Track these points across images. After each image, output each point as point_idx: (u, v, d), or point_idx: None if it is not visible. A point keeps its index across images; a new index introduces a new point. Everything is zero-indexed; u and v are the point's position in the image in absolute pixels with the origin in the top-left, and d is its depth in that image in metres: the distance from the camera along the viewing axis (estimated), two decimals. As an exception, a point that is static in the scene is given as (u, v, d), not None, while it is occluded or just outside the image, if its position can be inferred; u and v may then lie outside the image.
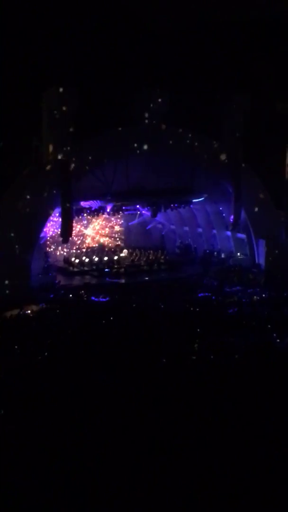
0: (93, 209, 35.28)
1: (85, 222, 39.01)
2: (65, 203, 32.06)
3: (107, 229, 40.90)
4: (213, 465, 10.38)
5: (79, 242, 39.40)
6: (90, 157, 32.82)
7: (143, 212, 38.42)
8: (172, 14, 41.77)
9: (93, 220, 39.30)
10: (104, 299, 30.32)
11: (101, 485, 9.72)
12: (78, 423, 11.77)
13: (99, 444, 10.89)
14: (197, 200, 37.15)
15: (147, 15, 41.52)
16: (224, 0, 41.16)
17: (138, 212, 38.76)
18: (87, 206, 34.88)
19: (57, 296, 31.25)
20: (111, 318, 24.92)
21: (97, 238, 40.51)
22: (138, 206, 37.32)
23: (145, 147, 33.67)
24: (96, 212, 35.94)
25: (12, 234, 31.31)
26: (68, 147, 31.62)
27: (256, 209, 36.34)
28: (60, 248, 38.43)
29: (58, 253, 38.56)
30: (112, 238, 41.14)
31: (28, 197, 31.66)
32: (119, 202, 35.48)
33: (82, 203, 34.26)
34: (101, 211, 35.90)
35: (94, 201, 34.61)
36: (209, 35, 41.10)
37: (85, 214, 35.99)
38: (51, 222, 34.74)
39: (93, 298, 30.50)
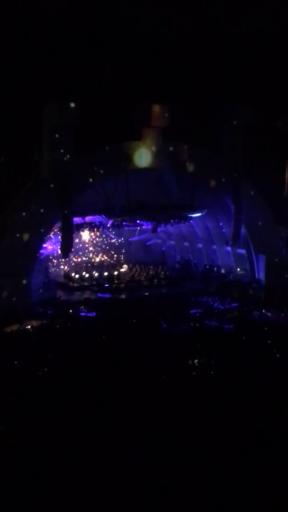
0: (93, 224, 35.30)
1: (86, 237, 39.05)
2: (65, 218, 32.07)
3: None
4: (213, 479, 10.32)
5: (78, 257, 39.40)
6: (90, 172, 32.87)
7: (143, 227, 38.42)
8: (172, 29, 42.02)
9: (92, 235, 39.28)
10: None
11: (102, 502, 9.66)
12: (79, 437, 11.73)
13: (100, 458, 10.84)
14: (194, 215, 37.05)
15: (147, 30, 41.75)
16: (224, 14, 41.40)
17: (138, 228, 38.76)
18: (88, 222, 34.91)
19: (57, 311, 31.16)
20: (110, 333, 24.87)
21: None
22: (138, 221, 37.30)
23: (145, 162, 33.74)
24: (96, 228, 36.00)
25: (13, 249, 31.30)
26: (69, 162, 31.65)
27: (256, 224, 36.30)
28: (55, 262, 38.33)
29: (59, 268, 38.52)
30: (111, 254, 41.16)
31: (28, 212, 31.69)
32: (120, 218, 35.50)
33: (83, 218, 34.29)
34: (101, 226, 35.96)
35: (94, 216, 34.62)
36: (209, 50, 41.30)
37: (85, 230, 36.05)
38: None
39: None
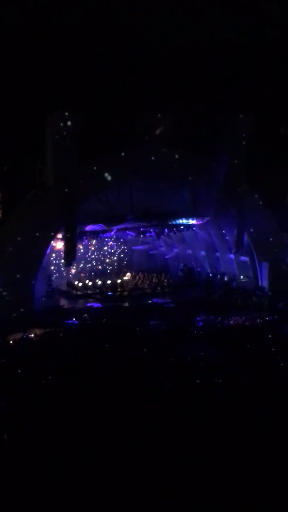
0: (102, 234, 35.52)
1: (90, 246, 39.08)
2: (68, 226, 32.11)
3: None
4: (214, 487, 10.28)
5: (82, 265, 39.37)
6: (94, 181, 32.92)
7: (147, 235, 38.41)
8: (176, 38, 42.25)
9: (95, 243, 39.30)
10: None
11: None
12: (82, 445, 11.71)
13: (103, 468, 10.82)
14: (196, 222, 36.99)
15: (150, 40, 41.94)
16: (228, 24, 41.65)
17: (142, 236, 38.70)
18: (91, 230, 34.98)
19: (60, 319, 31.08)
20: (114, 341, 24.83)
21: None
22: (142, 229, 37.26)
23: (149, 170, 33.79)
24: (99, 236, 36.11)
25: (16, 258, 31.31)
26: (72, 170, 31.70)
27: (260, 232, 36.28)
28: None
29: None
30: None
31: (32, 220, 31.74)
32: (123, 225, 35.55)
33: (88, 227, 34.38)
34: (104, 234, 36.07)
35: (98, 224, 34.66)
36: (212, 59, 41.45)
37: (89, 240, 36.16)
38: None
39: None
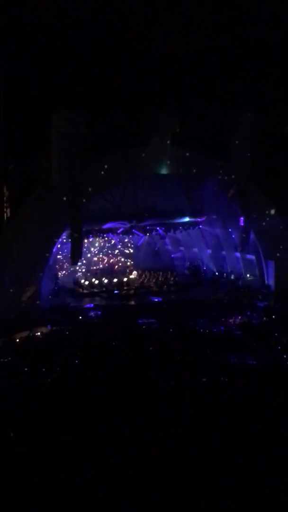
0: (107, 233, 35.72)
1: (96, 244, 39.07)
2: (74, 225, 32.14)
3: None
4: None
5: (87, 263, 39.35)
6: (99, 179, 32.93)
7: (154, 233, 38.37)
8: (179, 35, 42.17)
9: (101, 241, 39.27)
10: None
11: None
12: (87, 445, 11.75)
13: (105, 467, 10.86)
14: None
15: (154, 37, 41.89)
16: (232, 20, 41.50)
17: (148, 234, 38.64)
18: (98, 228, 35.08)
19: (66, 318, 31.12)
20: (121, 340, 24.89)
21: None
22: (148, 227, 37.24)
23: (153, 169, 33.79)
24: (105, 234, 36.18)
25: (22, 256, 31.36)
26: (77, 169, 31.71)
27: (265, 230, 36.20)
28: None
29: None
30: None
31: (37, 219, 31.78)
32: (129, 224, 35.59)
33: (106, 225, 34.59)
34: (110, 233, 36.12)
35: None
36: (216, 56, 41.37)
37: (96, 238, 36.26)
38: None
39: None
